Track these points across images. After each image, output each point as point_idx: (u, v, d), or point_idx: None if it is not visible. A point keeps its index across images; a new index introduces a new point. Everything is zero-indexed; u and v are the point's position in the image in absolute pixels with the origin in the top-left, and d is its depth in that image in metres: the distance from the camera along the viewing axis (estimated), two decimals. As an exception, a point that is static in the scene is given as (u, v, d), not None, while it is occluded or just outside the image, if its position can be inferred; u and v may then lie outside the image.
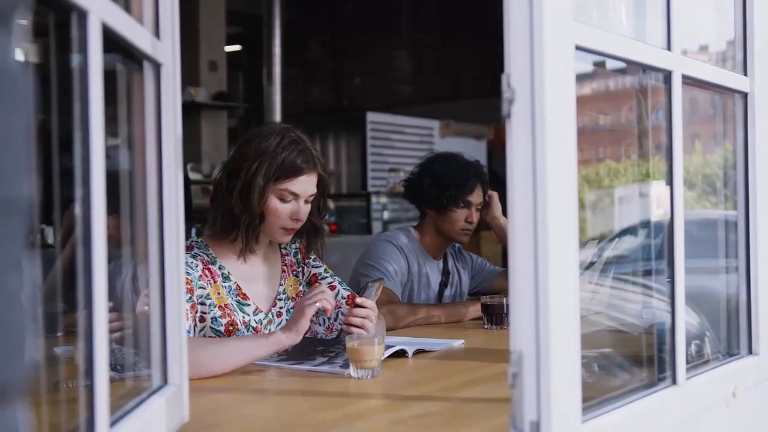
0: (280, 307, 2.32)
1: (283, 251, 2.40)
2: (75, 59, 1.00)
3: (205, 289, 2.15)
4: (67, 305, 1.23)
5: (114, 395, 1.06)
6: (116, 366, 1.33)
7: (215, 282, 2.19)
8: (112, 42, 1.10)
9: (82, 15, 0.99)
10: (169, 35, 1.38)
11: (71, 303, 1.08)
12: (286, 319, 2.28)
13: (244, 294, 2.24)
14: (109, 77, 1.07)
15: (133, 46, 1.21)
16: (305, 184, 2.20)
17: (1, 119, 0.57)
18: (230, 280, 2.23)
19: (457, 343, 2.36)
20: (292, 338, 1.97)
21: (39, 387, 1.06)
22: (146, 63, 1.33)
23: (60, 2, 0.95)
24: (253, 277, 2.29)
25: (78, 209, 0.99)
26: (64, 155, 1.02)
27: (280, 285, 2.34)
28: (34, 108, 0.62)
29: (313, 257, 2.42)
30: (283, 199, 2.19)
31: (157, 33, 1.35)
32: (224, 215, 2.19)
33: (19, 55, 0.62)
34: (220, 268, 2.22)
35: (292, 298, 2.35)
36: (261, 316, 2.25)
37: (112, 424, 1.07)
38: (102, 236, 1.01)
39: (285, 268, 2.37)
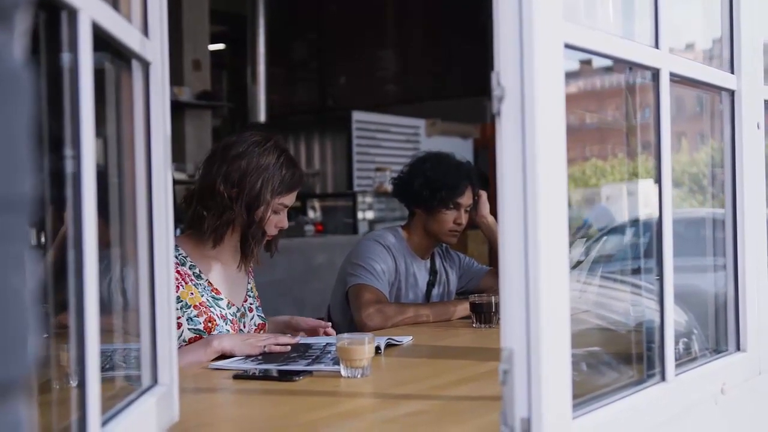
0: (250, 303, 2.42)
1: None
2: (65, 58, 1.00)
3: (175, 291, 2.17)
4: (53, 306, 1.22)
5: (103, 395, 1.05)
6: (104, 366, 1.32)
7: (186, 283, 2.23)
8: (101, 40, 1.09)
9: (72, 13, 0.98)
10: (158, 33, 1.38)
11: (57, 304, 1.08)
12: (258, 315, 2.42)
13: (216, 289, 2.30)
14: (97, 76, 1.06)
15: (123, 45, 1.20)
16: (294, 196, 2.34)
17: (6, 118, 0.57)
18: (202, 278, 2.28)
19: (406, 340, 2.35)
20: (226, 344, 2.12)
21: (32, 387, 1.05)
22: (135, 62, 1.32)
23: (50, 0, 0.94)
24: (224, 274, 2.35)
25: (68, 210, 0.99)
26: (52, 155, 1.01)
27: (249, 283, 2.44)
28: (34, 106, 0.63)
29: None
30: (276, 212, 2.28)
31: (145, 31, 1.34)
32: (226, 225, 2.25)
33: (21, 54, 0.62)
34: (190, 268, 2.28)
35: (256, 297, 2.46)
36: (234, 309, 2.33)
37: (104, 423, 1.07)
38: (93, 237, 1.00)
39: (250, 268, 2.47)
